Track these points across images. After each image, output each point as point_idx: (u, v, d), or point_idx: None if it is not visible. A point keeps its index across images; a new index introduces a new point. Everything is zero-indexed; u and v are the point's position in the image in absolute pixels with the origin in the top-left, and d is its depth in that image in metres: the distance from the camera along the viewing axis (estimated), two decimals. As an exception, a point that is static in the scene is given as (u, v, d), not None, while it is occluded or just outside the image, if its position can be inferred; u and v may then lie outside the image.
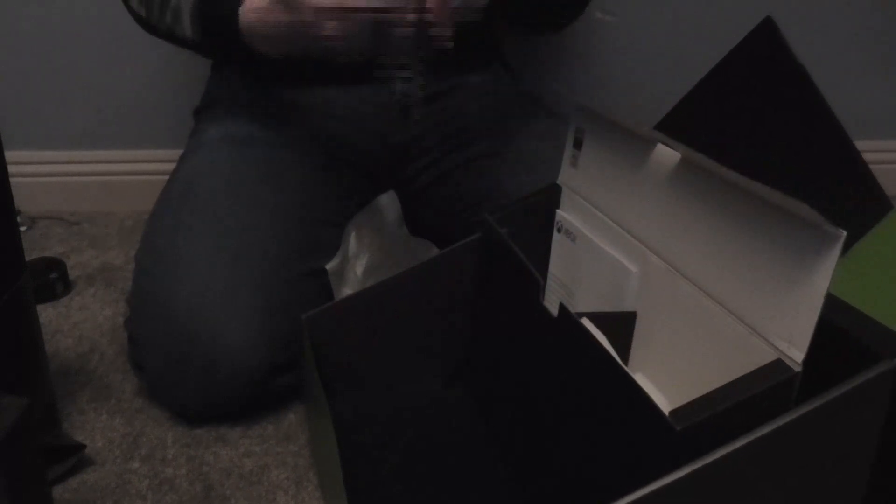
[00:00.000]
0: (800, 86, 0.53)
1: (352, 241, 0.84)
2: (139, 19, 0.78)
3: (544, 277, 0.67)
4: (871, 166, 0.50)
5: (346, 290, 0.81)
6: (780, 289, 0.42)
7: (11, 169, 0.63)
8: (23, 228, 1.21)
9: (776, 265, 0.42)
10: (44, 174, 1.28)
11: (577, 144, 0.65)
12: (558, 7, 0.92)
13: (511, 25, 0.97)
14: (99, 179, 1.30)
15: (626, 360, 0.57)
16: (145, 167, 1.30)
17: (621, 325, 0.55)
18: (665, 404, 0.40)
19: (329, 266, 0.80)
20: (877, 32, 1.36)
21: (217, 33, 0.71)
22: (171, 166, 0.91)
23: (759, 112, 0.57)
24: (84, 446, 0.68)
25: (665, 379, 0.52)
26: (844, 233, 0.38)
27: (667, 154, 0.53)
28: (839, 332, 0.41)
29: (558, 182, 0.68)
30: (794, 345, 0.40)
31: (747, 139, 0.50)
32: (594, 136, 0.63)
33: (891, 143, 1.45)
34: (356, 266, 0.84)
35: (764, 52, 0.56)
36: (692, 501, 0.39)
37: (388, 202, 0.88)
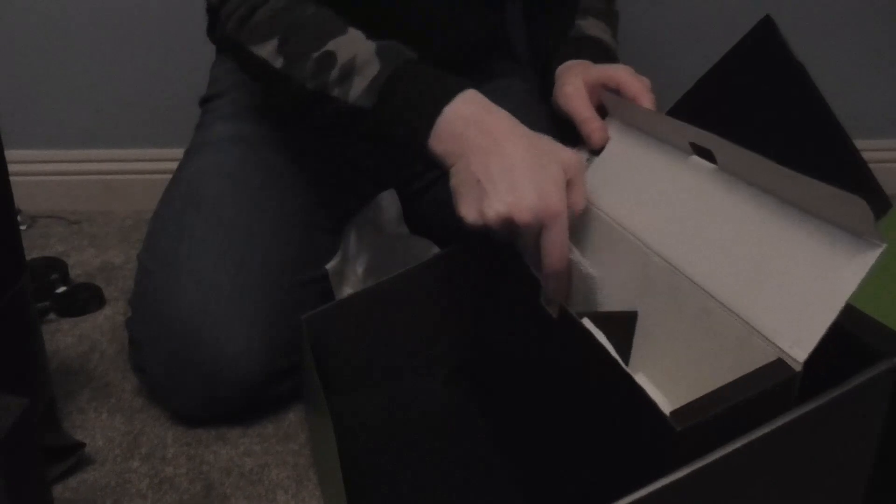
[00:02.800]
0: (799, 85, 0.53)
1: (352, 241, 0.84)
2: (262, 69, 0.70)
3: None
4: (871, 166, 0.50)
5: (347, 290, 0.81)
6: (796, 290, 0.42)
7: (11, 168, 0.63)
8: (23, 227, 1.21)
9: (796, 267, 0.42)
10: (44, 173, 1.28)
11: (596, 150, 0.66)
12: None
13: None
14: (99, 179, 1.30)
15: (626, 361, 0.57)
16: (145, 166, 1.30)
17: (622, 325, 0.55)
18: (666, 404, 0.40)
19: (329, 265, 0.80)
20: (877, 32, 1.36)
21: (396, 114, 0.63)
22: (171, 165, 0.91)
23: (758, 111, 0.57)
24: (84, 445, 0.68)
25: (666, 379, 0.52)
26: (884, 245, 0.38)
27: (685, 157, 0.53)
28: (839, 332, 0.41)
29: None
30: (798, 345, 0.40)
31: (746, 138, 0.50)
32: (612, 139, 0.63)
33: (891, 142, 1.45)
34: (356, 265, 0.84)
35: (763, 52, 0.56)
36: (692, 501, 0.39)
37: (388, 201, 0.88)
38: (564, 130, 0.73)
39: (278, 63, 0.68)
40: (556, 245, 0.55)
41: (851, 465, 0.42)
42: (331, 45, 0.66)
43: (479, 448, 0.65)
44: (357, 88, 0.65)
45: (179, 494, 0.64)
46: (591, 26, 0.84)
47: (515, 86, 0.95)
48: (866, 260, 0.38)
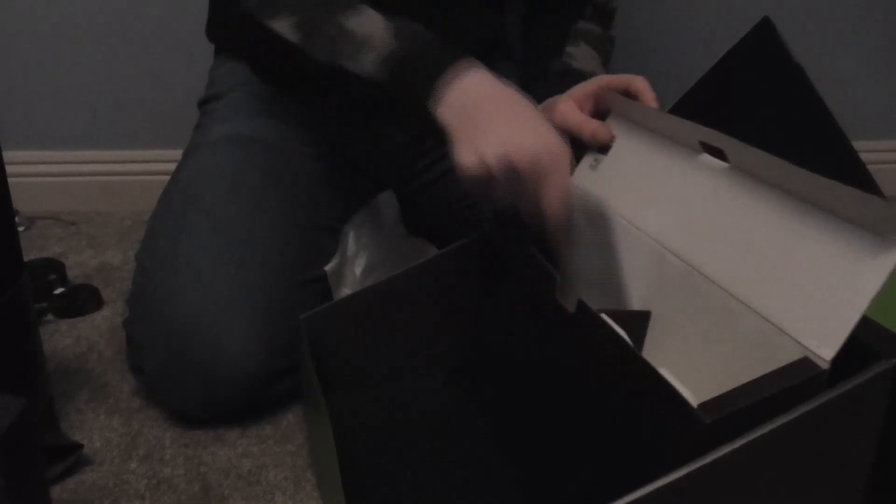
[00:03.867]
0: (797, 86, 0.53)
1: (350, 241, 0.84)
2: (281, 43, 0.72)
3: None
4: (871, 166, 0.50)
5: (345, 290, 0.81)
6: (819, 290, 0.42)
7: (9, 169, 0.63)
8: (21, 228, 1.21)
9: (818, 266, 0.42)
10: (42, 174, 1.28)
11: (604, 150, 0.65)
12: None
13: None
14: (97, 179, 1.30)
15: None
16: (143, 167, 1.30)
17: (634, 325, 0.55)
18: (690, 398, 0.40)
19: (328, 266, 0.80)
20: (876, 32, 1.37)
21: (407, 85, 0.65)
22: (169, 166, 0.91)
23: (757, 112, 0.57)
24: (82, 446, 0.68)
25: (683, 377, 0.52)
26: None
27: (701, 158, 0.53)
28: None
29: None
30: (824, 343, 0.40)
31: (745, 139, 0.50)
32: (622, 140, 0.63)
33: (890, 143, 1.45)
34: (355, 266, 0.83)
35: (761, 53, 0.56)
36: (692, 500, 0.39)
37: (386, 202, 0.88)
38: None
39: (295, 38, 0.70)
40: (558, 191, 0.55)
41: (851, 465, 0.42)
42: (347, 22, 0.68)
43: (479, 448, 0.65)
44: (371, 63, 0.66)
45: (177, 495, 0.64)
46: (581, 56, 0.84)
47: (513, 87, 0.95)
48: (890, 258, 0.39)
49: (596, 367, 0.50)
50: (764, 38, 0.56)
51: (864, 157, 0.50)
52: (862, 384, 0.39)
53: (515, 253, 0.62)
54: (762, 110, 0.57)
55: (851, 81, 1.39)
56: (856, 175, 0.50)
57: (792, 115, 0.55)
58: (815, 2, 1.33)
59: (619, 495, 0.37)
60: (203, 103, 0.96)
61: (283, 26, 0.71)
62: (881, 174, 0.52)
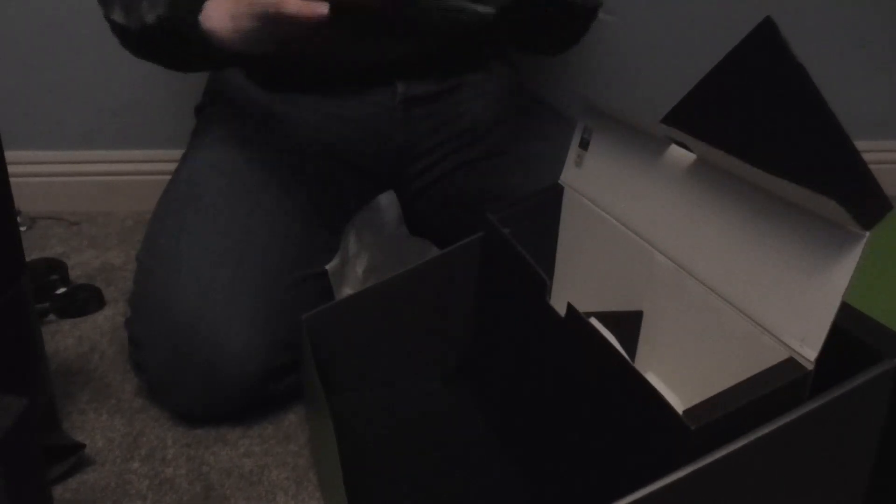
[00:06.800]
0: (799, 86, 0.53)
1: (352, 241, 0.84)
2: (122, 31, 0.79)
3: (549, 277, 0.67)
4: (871, 166, 0.50)
5: (347, 290, 0.81)
6: (795, 287, 0.42)
7: (11, 169, 0.63)
8: (23, 228, 1.21)
9: (792, 263, 0.42)
10: (44, 174, 1.28)
11: (584, 144, 0.65)
12: (552, 37, 0.92)
13: (509, 43, 0.97)
14: (99, 179, 1.30)
15: (632, 360, 0.57)
16: (145, 167, 1.30)
17: (628, 325, 0.55)
18: (678, 403, 0.40)
19: (329, 266, 0.80)
20: (877, 32, 1.36)
21: (183, 19, 0.72)
22: (170, 166, 0.91)
23: (759, 112, 0.57)
24: (84, 446, 0.68)
25: (674, 378, 0.52)
26: (868, 233, 0.38)
27: (678, 153, 0.53)
28: (839, 332, 0.41)
29: (560, 182, 0.68)
30: (806, 343, 0.40)
31: (746, 139, 0.50)
32: (602, 136, 0.63)
33: (891, 143, 1.45)
34: (356, 266, 0.84)
35: (764, 52, 0.56)
36: (692, 501, 0.39)
37: (388, 202, 0.88)
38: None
39: (124, 21, 0.76)
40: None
41: (852, 465, 0.42)
42: None
43: (479, 448, 0.65)
44: (161, 6, 0.72)
45: (179, 495, 0.64)
46: None
47: (506, 88, 0.95)
48: (855, 251, 0.39)
49: (587, 371, 0.50)
50: (766, 38, 0.56)
51: (864, 156, 0.50)
52: (862, 384, 0.39)
53: (508, 255, 0.62)
54: (763, 111, 0.57)
55: (854, 81, 1.39)
56: (857, 176, 0.50)
57: (793, 116, 0.55)
58: (817, 2, 1.33)
59: (616, 499, 0.37)
60: (199, 109, 0.97)
61: (117, 16, 0.77)
62: (881, 174, 0.52)
